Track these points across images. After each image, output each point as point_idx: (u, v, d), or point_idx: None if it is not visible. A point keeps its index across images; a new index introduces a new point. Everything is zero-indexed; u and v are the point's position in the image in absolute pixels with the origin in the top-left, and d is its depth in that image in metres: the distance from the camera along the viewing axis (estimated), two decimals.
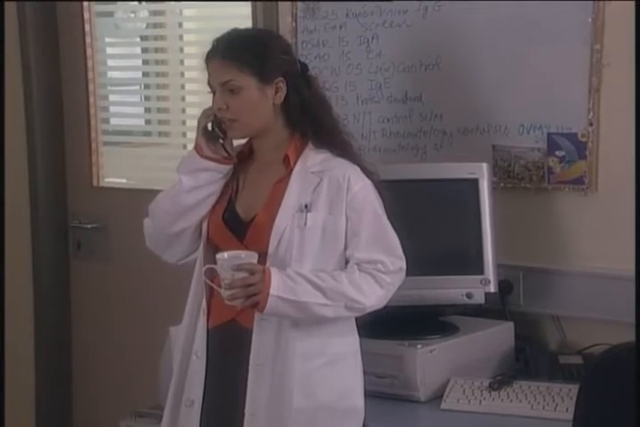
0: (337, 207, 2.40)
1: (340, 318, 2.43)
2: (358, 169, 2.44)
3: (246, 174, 2.51)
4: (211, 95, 2.45)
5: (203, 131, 2.46)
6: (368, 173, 2.45)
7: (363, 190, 2.42)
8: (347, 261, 2.42)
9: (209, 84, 2.43)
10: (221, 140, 2.47)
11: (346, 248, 2.42)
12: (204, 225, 2.50)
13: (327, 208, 2.40)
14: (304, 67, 2.49)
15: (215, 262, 2.35)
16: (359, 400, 2.47)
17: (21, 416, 3.95)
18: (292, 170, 2.43)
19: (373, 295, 2.39)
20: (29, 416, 4.01)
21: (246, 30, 2.51)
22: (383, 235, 2.43)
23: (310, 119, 2.45)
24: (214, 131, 2.46)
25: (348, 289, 2.36)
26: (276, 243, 2.39)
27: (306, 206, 2.39)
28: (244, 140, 2.54)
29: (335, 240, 2.41)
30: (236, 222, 2.46)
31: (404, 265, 2.43)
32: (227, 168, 2.47)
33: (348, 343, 2.47)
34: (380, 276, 2.40)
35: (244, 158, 2.52)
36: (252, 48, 2.40)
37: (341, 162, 2.44)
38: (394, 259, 2.42)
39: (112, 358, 3.87)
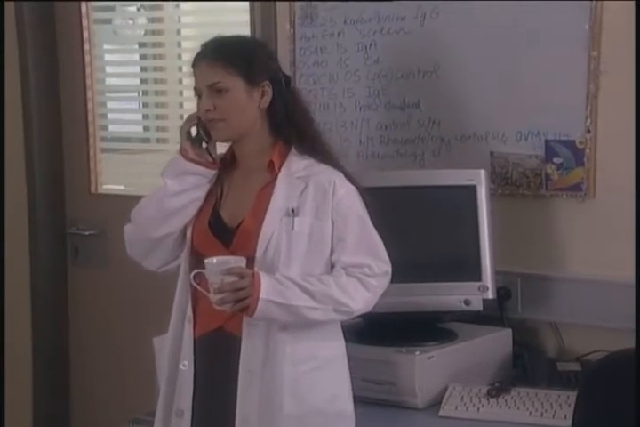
0: (323, 212, 2.41)
1: (328, 323, 2.44)
2: (342, 175, 2.46)
3: (230, 181, 2.52)
4: None
5: (187, 135, 2.48)
6: (351, 179, 2.47)
7: (348, 195, 2.43)
8: (332, 266, 2.43)
9: (195, 88, 2.45)
10: (205, 144, 2.48)
11: (332, 252, 2.43)
12: (188, 233, 2.50)
13: (314, 213, 2.42)
14: (287, 79, 2.51)
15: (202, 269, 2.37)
16: (348, 404, 2.48)
17: (19, 425, 3.95)
18: (276, 175, 2.45)
19: (361, 299, 2.41)
20: (27, 425, 4.00)
21: (233, 36, 2.54)
22: (369, 239, 2.44)
23: (294, 126, 2.47)
24: (199, 134, 2.48)
25: (336, 293, 2.37)
26: (263, 248, 2.39)
27: (293, 211, 2.41)
28: (226, 148, 2.55)
29: (322, 245, 2.42)
30: (222, 229, 2.46)
31: (389, 269, 2.45)
32: (211, 173, 2.48)
33: (336, 347, 2.48)
34: (367, 279, 2.41)
35: (226, 165, 2.53)
36: (238, 50, 2.43)
37: (325, 168, 2.46)
38: (380, 263, 2.43)
39: (109, 364, 3.87)
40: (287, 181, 2.43)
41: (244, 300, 2.31)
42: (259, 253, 2.39)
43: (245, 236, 2.42)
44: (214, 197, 2.50)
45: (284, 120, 2.46)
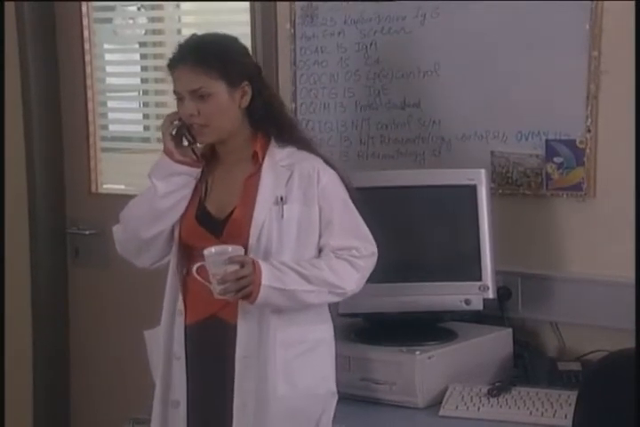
0: (309, 198, 2.46)
1: (318, 306, 2.48)
2: (322, 160, 2.51)
3: (213, 175, 2.55)
4: None
5: (170, 137, 2.50)
6: (330, 163, 2.52)
7: (331, 181, 2.49)
8: (320, 250, 2.47)
9: (176, 91, 2.47)
10: (186, 143, 2.50)
11: (320, 237, 2.47)
12: (176, 229, 2.53)
13: (301, 200, 2.46)
14: (259, 70, 2.55)
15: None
16: (334, 384, 2.52)
17: (19, 425, 3.94)
18: (260, 165, 2.48)
19: (352, 280, 2.46)
20: (27, 425, 4.00)
21: (208, 36, 2.55)
22: (354, 222, 2.49)
23: (273, 118, 2.51)
24: (185, 136, 2.50)
25: (329, 275, 2.42)
26: (256, 236, 2.43)
27: (281, 199, 2.45)
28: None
29: (310, 230, 2.47)
30: (210, 221, 2.49)
31: (375, 249, 2.49)
32: (197, 171, 2.52)
33: (325, 330, 2.53)
34: (356, 261, 2.46)
35: (207, 160, 2.56)
36: (218, 54, 2.45)
37: (307, 155, 2.51)
38: (366, 244, 2.48)
39: (110, 364, 3.86)
40: (272, 170, 2.47)
41: (245, 288, 2.35)
42: (252, 242, 2.42)
43: (237, 225, 2.45)
44: (198, 192, 2.53)
45: (263, 116, 2.50)
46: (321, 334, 2.51)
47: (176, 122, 2.49)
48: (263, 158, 2.48)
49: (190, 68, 2.44)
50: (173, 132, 2.51)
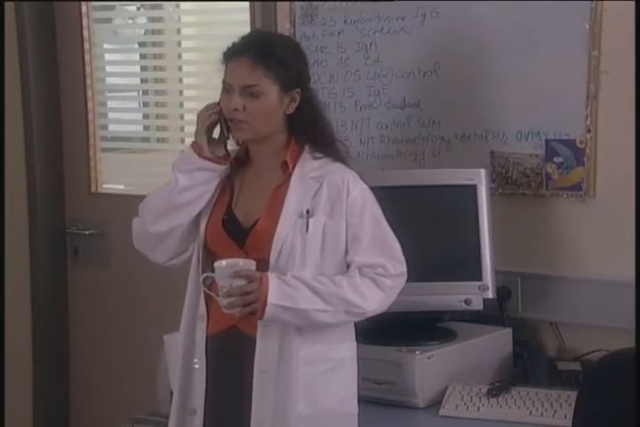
0: (337, 212, 2.40)
1: (341, 324, 2.43)
2: (356, 174, 2.45)
3: (242, 179, 2.50)
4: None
5: (206, 131, 2.44)
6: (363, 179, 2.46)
7: (362, 195, 2.42)
8: (348, 266, 2.42)
9: (226, 81, 2.40)
10: (215, 136, 2.45)
11: (347, 253, 2.42)
12: (201, 232, 2.48)
13: (327, 213, 2.40)
14: (310, 79, 2.49)
15: (213, 270, 2.35)
16: (355, 405, 2.48)
17: (19, 425, 3.94)
18: (290, 175, 2.43)
19: (375, 299, 2.40)
20: (27, 425, 4.00)
21: (274, 35, 2.51)
22: (384, 239, 2.43)
23: (313, 131, 2.45)
24: (222, 129, 2.45)
25: (349, 294, 2.36)
26: (278, 250, 2.38)
27: (307, 212, 2.39)
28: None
29: (336, 245, 2.41)
30: (236, 229, 2.45)
31: (405, 269, 2.43)
32: (222, 168, 2.46)
33: (349, 349, 2.48)
34: (382, 280, 2.40)
35: (239, 163, 2.51)
36: (281, 55, 2.39)
37: (339, 166, 2.45)
38: (395, 263, 2.42)
39: (110, 364, 3.86)
40: (301, 182, 2.41)
41: (252, 304, 2.31)
42: (273, 255, 2.38)
43: (259, 237, 2.40)
44: (227, 194, 2.48)
45: (306, 127, 2.45)
46: (345, 353, 2.46)
47: (214, 115, 2.43)
48: (293, 168, 2.43)
49: (250, 62, 2.36)
50: (214, 128, 2.44)
